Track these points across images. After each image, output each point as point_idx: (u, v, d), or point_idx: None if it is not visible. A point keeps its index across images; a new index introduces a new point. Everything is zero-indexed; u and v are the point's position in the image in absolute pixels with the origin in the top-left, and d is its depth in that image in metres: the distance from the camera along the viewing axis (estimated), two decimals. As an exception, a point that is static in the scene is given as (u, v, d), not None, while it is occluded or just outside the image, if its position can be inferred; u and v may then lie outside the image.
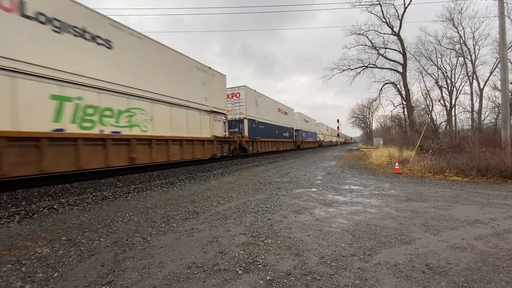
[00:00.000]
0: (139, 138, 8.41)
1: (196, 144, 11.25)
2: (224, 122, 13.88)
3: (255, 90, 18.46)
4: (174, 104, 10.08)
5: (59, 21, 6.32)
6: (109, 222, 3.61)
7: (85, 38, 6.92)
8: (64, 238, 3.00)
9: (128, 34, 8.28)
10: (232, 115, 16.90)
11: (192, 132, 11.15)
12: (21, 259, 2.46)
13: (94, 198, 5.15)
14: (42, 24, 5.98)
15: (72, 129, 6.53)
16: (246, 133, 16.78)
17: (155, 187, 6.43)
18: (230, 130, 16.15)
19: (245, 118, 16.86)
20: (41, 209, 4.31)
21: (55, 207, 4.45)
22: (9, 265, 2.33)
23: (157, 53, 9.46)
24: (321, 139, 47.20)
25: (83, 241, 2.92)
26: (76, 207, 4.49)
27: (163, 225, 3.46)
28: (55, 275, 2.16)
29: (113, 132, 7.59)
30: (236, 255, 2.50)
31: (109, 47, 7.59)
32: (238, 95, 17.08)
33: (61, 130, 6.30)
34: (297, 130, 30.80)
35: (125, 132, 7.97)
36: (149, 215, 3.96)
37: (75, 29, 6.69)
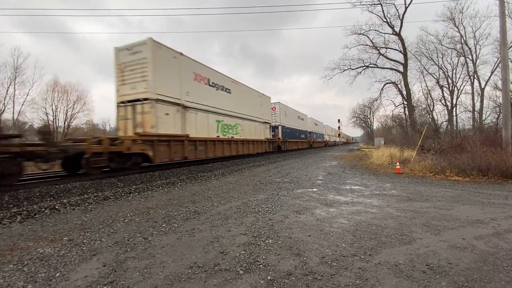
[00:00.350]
0: (240, 140, 15.55)
1: (258, 143, 18.48)
2: (269, 128, 20.90)
3: (284, 104, 25.31)
4: (250, 119, 17.12)
5: (217, 84, 13.18)
6: (110, 222, 3.63)
7: (222, 90, 13.72)
8: (65, 238, 3.02)
9: (235, 84, 15.16)
10: (270, 123, 23.05)
11: (257, 136, 18.22)
12: (23, 259, 2.48)
13: (95, 198, 5.16)
14: (212, 87, 12.75)
15: (221, 136, 13.41)
16: (280, 136, 23.43)
17: (156, 187, 6.44)
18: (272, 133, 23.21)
19: (279, 125, 23.60)
20: (43, 209, 4.33)
21: (57, 207, 4.47)
22: (11, 265, 2.35)
23: (242, 90, 16.13)
24: (327, 140, 52.49)
25: (84, 241, 2.93)
26: (77, 207, 4.50)
27: (164, 225, 3.47)
28: (57, 275, 2.17)
29: (231, 137, 14.57)
30: (237, 255, 2.50)
31: (229, 93, 14.47)
32: (274, 108, 23.35)
33: (218, 136, 13.14)
34: (309, 132, 36.27)
35: (235, 137, 14.94)
36: (150, 215, 3.98)
37: (221, 86, 13.60)
